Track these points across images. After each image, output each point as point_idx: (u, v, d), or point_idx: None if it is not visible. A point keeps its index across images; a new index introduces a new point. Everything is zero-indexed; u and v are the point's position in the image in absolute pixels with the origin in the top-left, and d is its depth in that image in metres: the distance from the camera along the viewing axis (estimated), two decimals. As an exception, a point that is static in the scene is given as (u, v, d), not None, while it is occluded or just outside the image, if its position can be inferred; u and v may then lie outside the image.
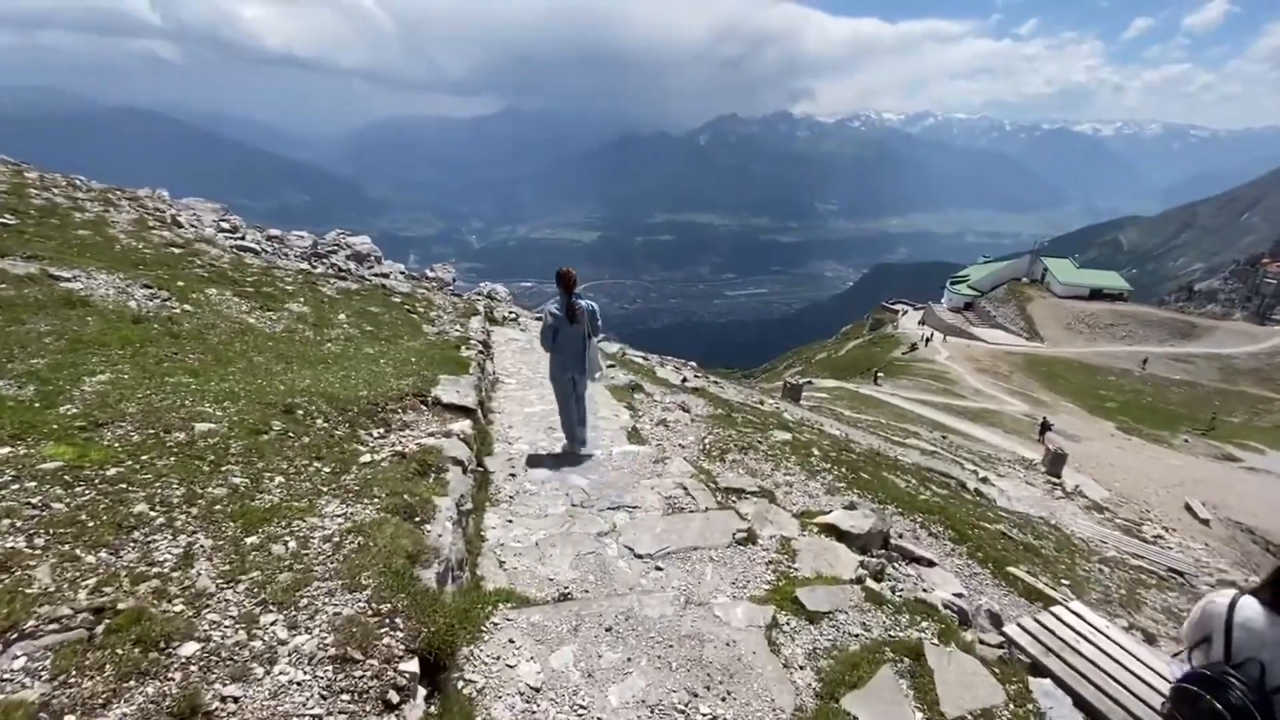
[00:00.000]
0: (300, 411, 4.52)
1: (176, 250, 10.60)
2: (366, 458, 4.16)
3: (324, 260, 16.61)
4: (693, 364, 27.31)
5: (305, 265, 14.02)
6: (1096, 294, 73.39)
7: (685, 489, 5.60)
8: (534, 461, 6.52)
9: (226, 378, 5.04)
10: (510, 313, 21.81)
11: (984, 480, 17.80)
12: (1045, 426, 31.72)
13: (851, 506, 5.56)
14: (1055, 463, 22.84)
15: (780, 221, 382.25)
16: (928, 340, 61.76)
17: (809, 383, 44.40)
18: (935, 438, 29.51)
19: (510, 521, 4.93)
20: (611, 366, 15.30)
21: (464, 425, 5.48)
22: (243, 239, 15.06)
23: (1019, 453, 28.39)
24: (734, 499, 5.56)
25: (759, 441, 8.13)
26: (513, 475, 6.06)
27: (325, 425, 4.48)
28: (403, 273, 20.97)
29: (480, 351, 9.92)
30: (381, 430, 4.89)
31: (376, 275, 17.98)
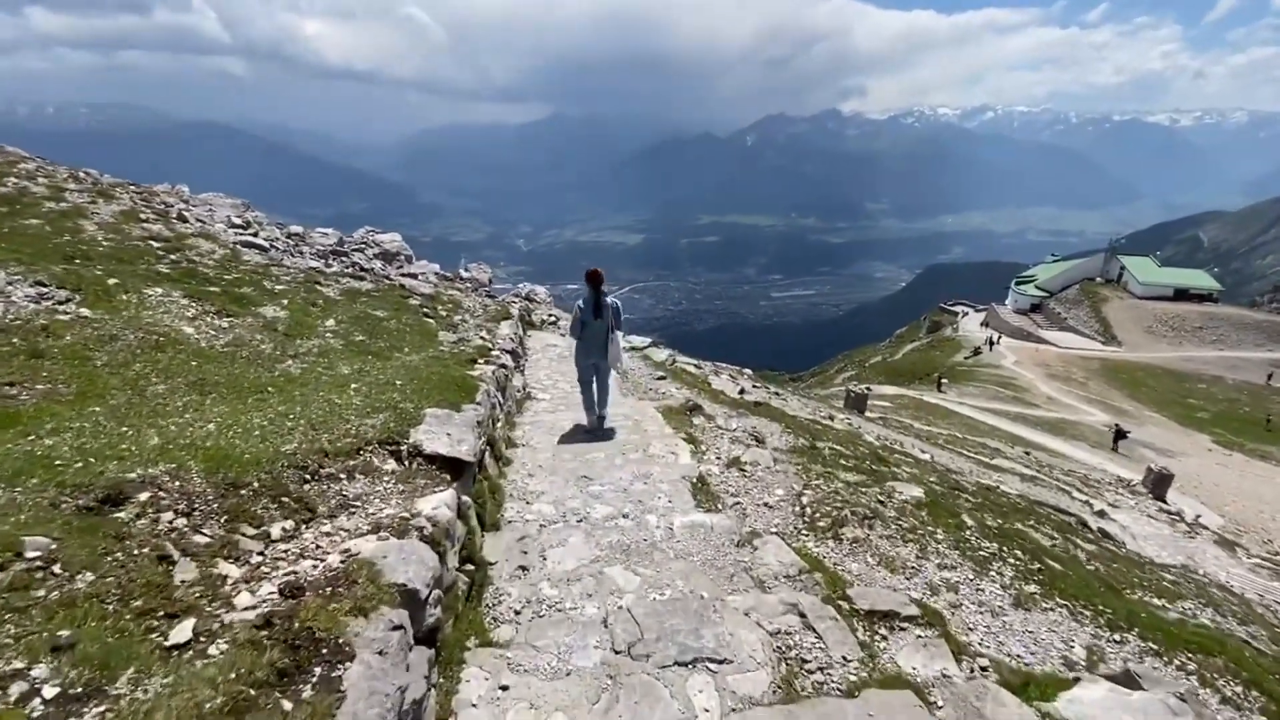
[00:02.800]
0: (132, 502, 2.52)
1: (155, 244, 9.02)
2: (224, 613, 2.11)
3: (344, 258, 15.05)
4: (748, 371, 24.90)
5: (318, 264, 12.40)
6: (1181, 294, 67.19)
7: (802, 615, 3.35)
8: (558, 539, 4.43)
9: (63, 426, 3.11)
10: (550, 315, 19.93)
11: (1100, 514, 14.80)
12: (1120, 434, 28.09)
13: (1127, 677, 3.09)
14: (1159, 484, 19.63)
15: (829, 221, 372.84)
16: (993, 344, 57.50)
17: (868, 389, 41.29)
18: (1017, 453, 26.46)
19: (504, 689, 2.80)
20: (662, 379, 13.16)
21: (442, 504, 3.41)
22: (255, 235, 13.59)
23: (1111, 470, 25.07)
24: (884, 634, 3.32)
25: (880, 500, 5.83)
26: (523, 570, 3.97)
27: (169, 528, 2.47)
28: (437, 273, 19.35)
29: (501, 367, 7.93)
30: (292, 523, 2.86)
31: (404, 275, 16.35)
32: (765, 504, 5.57)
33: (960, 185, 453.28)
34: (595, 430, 7.38)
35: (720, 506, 5.36)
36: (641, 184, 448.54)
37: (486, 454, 5.36)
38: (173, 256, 8.50)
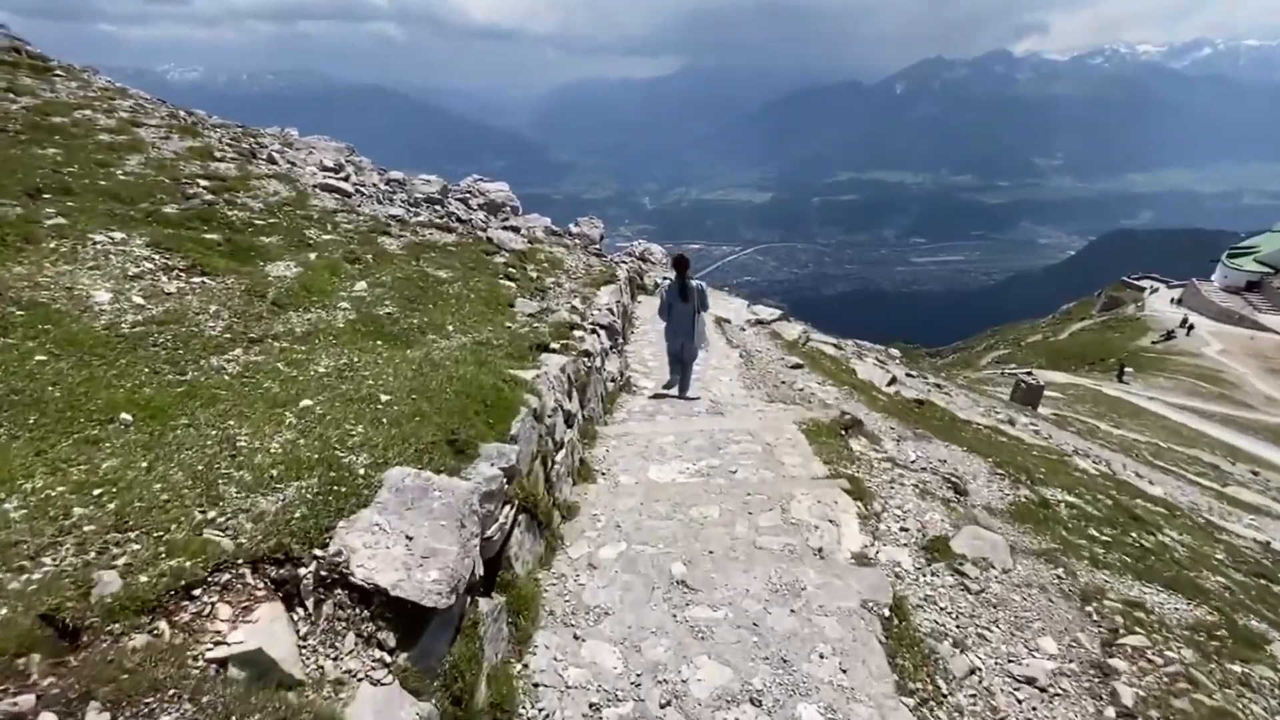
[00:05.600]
0: None
1: (203, 183, 7.65)
2: None
3: (439, 207, 13.52)
4: (895, 353, 21.11)
5: (400, 211, 10.80)
6: None
7: None
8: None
9: None
10: (665, 278, 17.54)
11: None
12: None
13: None
14: None
15: (986, 179, 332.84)
16: (1189, 328, 47.65)
17: (1033, 377, 35.21)
18: (1243, 472, 20.83)
19: None
20: (797, 368, 10.34)
21: None
22: (345, 179, 12.33)
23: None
24: None
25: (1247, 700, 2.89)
26: None
27: None
28: (547, 228, 17.55)
29: (583, 355, 5.66)
30: None
31: (507, 228, 14.60)
32: (1032, 683, 2.84)
33: (1157, 137, 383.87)
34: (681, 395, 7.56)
35: (946, 688, 2.73)
36: (774, 138, 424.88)
37: (521, 533, 3.10)
38: (207, 197, 7.02)
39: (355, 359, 3.79)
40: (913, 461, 6.08)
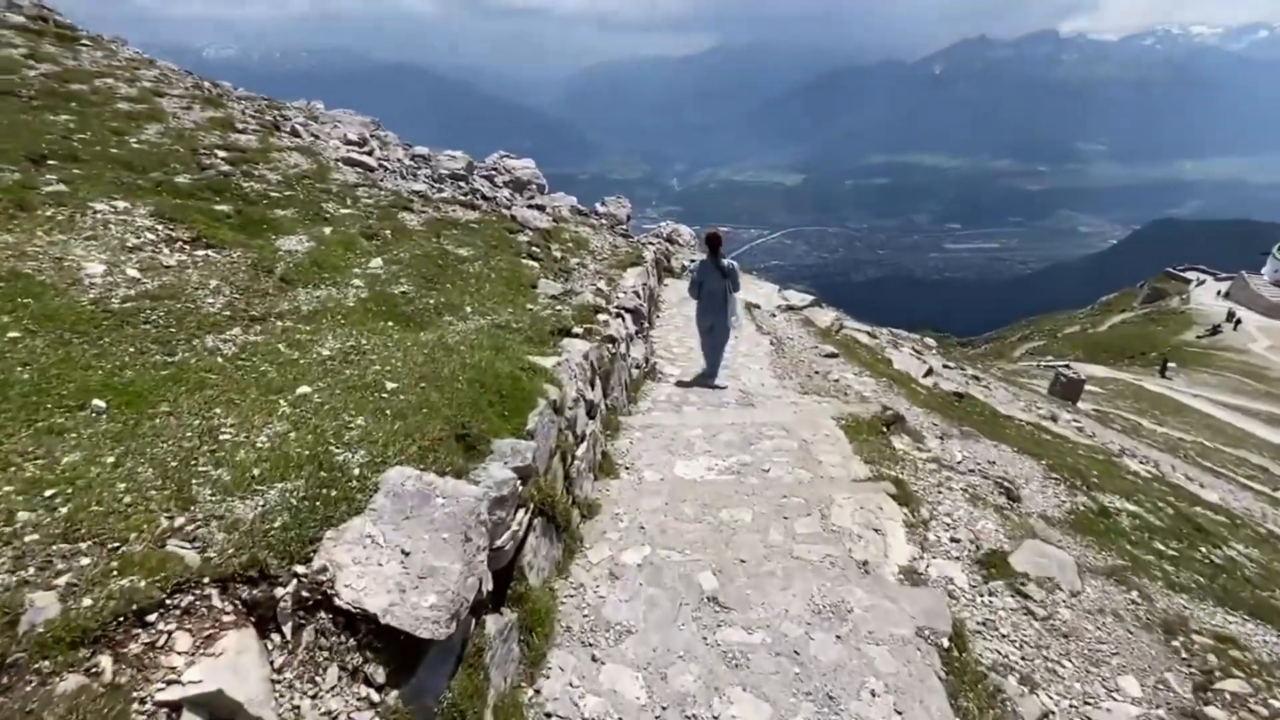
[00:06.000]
0: None
1: (220, 154, 7.45)
2: None
3: (463, 184, 13.23)
4: (931, 342, 20.39)
5: (423, 187, 10.51)
6: None
7: None
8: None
9: None
10: (692, 261, 17.06)
11: None
12: None
13: None
14: None
15: (1026, 164, 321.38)
16: (1237, 322, 45.77)
17: (1067, 366, 34.01)
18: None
19: None
20: (831, 357, 9.88)
21: None
22: (369, 153, 12.09)
23: None
24: None
25: None
26: None
27: None
28: (573, 207, 17.16)
29: (607, 341, 5.34)
30: None
31: (532, 205, 14.28)
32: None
33: (1209, 123, 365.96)
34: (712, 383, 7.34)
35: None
36: (807, 119, 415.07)
37: (536, 538, 2.79)
38: (224, 168, 6.80)
39: (363, 341, 3.51)
40: (959, 462, 5.66)
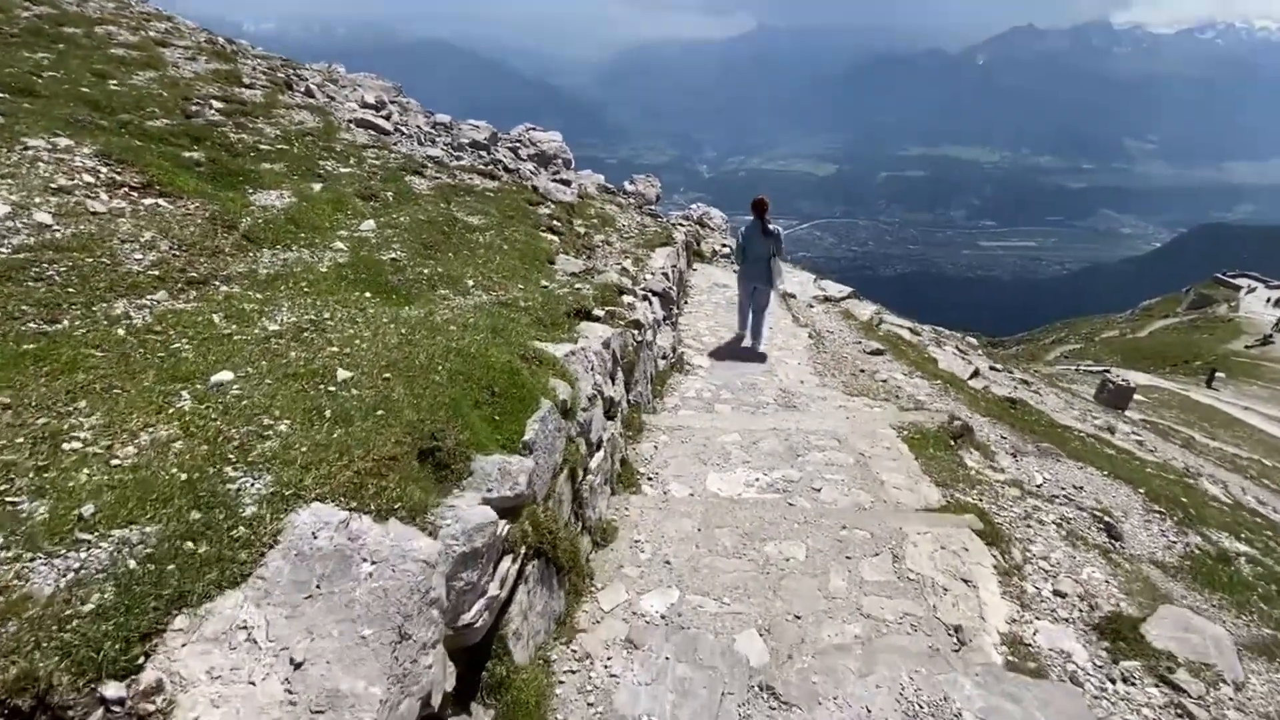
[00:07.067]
0: None
1: (216, 104, 6.79)
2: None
3: (484, 153, 12.48)
4: (973, 341, 19.24)
5: (439, 153, 9.78)
6: None
7: None
8: None
9: None
10: (722, 245, 16.14)
11: None
12: None
13: None
14: None
15: (1070, 160, 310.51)
16: (1289, 332, 43.81)
17: (1107, 371, 32.44)
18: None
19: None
20: (877, 354, 8.98)
21: None
22: (386, 116, 11.40)
23: None
24: None
25: None
26: None
27: None
28: (600, 184, 16.34)
29: (632, 327, 4.57)
30: None
31: (556, 180, 13.50)
32: None
33: (1267, 123, 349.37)
34: (749, 356, 7.30)
35: None
36: (844, 107, 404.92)
37: (528, 592, 2.04)
38: (214, 117, 6.13)
39: (326, 315, 2.78)
40: (1039, 485, 4.79)
